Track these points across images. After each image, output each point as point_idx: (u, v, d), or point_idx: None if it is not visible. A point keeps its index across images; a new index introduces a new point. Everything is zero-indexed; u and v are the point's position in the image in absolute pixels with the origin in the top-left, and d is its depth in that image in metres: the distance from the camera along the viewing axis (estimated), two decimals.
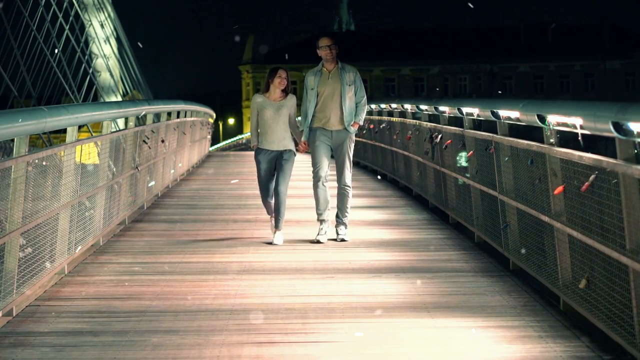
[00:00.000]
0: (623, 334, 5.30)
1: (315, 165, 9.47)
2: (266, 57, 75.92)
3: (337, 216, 9.58)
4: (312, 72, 9.52)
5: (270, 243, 9.33)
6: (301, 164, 12.90)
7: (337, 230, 9.56)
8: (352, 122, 9.38)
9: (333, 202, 9.61)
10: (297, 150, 9.49)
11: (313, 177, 9.51)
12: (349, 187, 9.56)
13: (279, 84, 9.34)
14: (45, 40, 35.05)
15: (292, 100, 9.48)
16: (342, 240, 9.43)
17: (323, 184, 9.48)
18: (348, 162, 9.52)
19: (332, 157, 9.63)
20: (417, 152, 13.21)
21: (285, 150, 9.41)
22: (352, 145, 9.54)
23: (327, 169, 9.49)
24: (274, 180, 9.44)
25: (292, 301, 6.79)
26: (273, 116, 9.35)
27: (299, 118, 9.76)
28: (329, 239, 9.48)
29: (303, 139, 9.51)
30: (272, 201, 9.48)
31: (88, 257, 8.69)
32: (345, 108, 9.34)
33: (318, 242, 9.34)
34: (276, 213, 9.42)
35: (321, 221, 9.56)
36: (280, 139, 9.38)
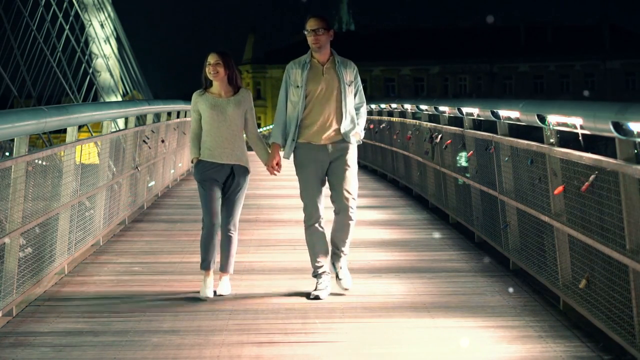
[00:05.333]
0: (623, 334, 5.30)
1: (307, 200, 6.88)
2: (266, 57, 75.88)
3: (334, 249, 7.03)
4: (297, 63, 6.84)
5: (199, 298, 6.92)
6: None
7: (333, 264, 7.04)
8: (353, 132, 6.87)
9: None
10: (269, 170, 6.98)
11: (305, 219, 6.93)
12: (353, 214, 6.89)
13: (209, 72, 6.88)
14: (45, 40, 35.05)
15: (246, 96, 6.98)
16: (345, 283, 6.99)
17: (320, 226, 6.92)
18: (352, 179, 6.86)
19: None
20: (417, 152, 13.22)
21: (238, 166, 6.96)
22: (356, 158, 6.96)
23: (323, 205, 6.93)
24: (221, 210, 7.01)
25: (292, 301, 6.79)
26: (219, 117, 6.87)
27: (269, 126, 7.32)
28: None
29: (280, 155, 6.92)
30: (218, 239, 7.04)
31: (88, 257, 8.69)
32: (346, 114, 6.79)
33: (317, 297, 6.83)
34: (225, 254, 7.10)
35: (321, 274, 7.00)
36: (231, 148, 6.91)
